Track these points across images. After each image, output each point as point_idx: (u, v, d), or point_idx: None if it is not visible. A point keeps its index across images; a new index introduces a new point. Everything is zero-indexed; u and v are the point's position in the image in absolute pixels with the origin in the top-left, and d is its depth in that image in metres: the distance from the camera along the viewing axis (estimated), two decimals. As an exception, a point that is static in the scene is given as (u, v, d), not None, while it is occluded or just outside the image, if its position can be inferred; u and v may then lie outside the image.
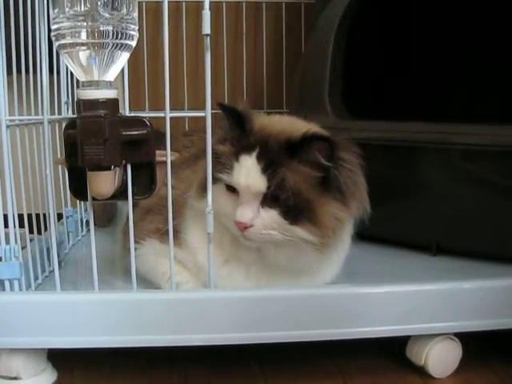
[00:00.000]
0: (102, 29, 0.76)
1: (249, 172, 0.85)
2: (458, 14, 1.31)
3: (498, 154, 1.03)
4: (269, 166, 0.84)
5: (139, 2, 0.82)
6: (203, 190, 0.88)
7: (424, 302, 0.93)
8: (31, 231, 1.01)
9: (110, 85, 0.79)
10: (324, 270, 0.96)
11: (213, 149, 0.88)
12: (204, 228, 0.89)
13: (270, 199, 0.85)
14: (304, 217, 0.85)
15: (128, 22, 0.78)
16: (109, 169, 0.79)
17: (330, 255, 0.93)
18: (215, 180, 0.87)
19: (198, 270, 0.94)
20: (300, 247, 0.87)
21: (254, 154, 0.85)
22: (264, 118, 0.93)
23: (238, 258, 0.93)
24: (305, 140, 0.85)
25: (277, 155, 0.85)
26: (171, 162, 0.86)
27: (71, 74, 1.26)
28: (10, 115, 0.90)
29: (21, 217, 0.92)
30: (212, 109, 0.86)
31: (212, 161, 0.87)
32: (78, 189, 0.84)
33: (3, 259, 0.89)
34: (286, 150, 0.85)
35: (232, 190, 0.87)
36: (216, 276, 0.91)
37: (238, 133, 0.88)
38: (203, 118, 0.86)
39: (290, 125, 0.92)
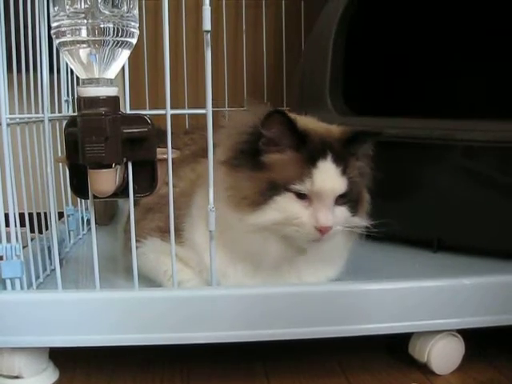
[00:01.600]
0: (102, 26, 0.75)
1: (331, 176, 0.86)
2: (460, 9, 1.30)
3: (500, 151, 1.02)
4: (345, 167, 0.87)
5: (139, 0, 0.82)
6: (258, 204, 0.86)
7: (426, 299, 0.93)
8: (32, 230, 1.01)
9: (110, 82, 0.79)
10: (336, 262, 0.98)
11: (262, 159, 0.87)
12: (230, 231, 0.89)
13: (339, 197, 0.88)
14: (359, 206, 0.91)
15: (128, 20, 0.78)
16: (110, 167, 0.79)
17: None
18: (284, 190, 0.86)
19: (203, 268, 0.94)
20: (337, 238, 0.92)
21: (329, 158, 0.86)
22: (299, 119, 0.92)
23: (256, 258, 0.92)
24: (361, 136, 0.91)
25: (344, 155, 0.88)
26: (172, 159, 0.85)
27: (71, 72, 1.26)
28: (10, 113, 0.90)
29: (22, 216, 0.92)
30: (212, 106, 0.86)
31: (263, 171, 0.86)
32: (79, 187, 0.84)
33: (4, 258, 0.89)
34: (346, 149, 0.89)
35: (301, 197, 0.86)
36: (221, 275, 0.92)
37: (295, 138, 0.87)
38: (204, 116, 0.86)
39: (317, 123, 0.95)
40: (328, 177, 0.86)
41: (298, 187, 0.85)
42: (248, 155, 0.87)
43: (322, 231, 0.85)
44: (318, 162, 0.86)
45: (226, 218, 0.87)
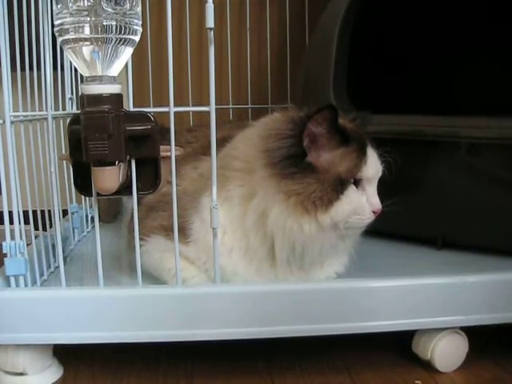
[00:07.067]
0: (105, 24, 0.76)
1: (377, 159, 0.92)
2: (463, 6, 1.30)
3: (505, 148, 1.02)
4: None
5: (143, -3, 0.82)
6: (331, 201, 0.86)
7: (430, 296, 0.93)
8: (36, 227, 1.01)
9: (113, 80, 0.79)
10: (343, 256, 0.99)
11: (309, 160, 0.87)
12: (241, 231, 0.91)
13: None
14: None
15: (131, 17, 0.78)
16: (113, 164, 0.79)
17: None
18: (348, 183, 0.88)
19: (209, 267, 0.94)
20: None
21: (369, 143, 0.92)
22: None
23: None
24: (367, 119, 1.00)
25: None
26: (175, 157, 0.85)
27: (75, 69, 1.26)
28: (14, 111, 0.90)
29: (26, 213, 0.92)
30: (216, 103, 0.85)
31: (321, 170, 0.87)
32: (83, 184, 0.85)
33: (9, 255, 0.90)
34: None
35: (356, 185, 0.89)
36: (232, 273, 0.92)
37: (338, 131, 0.88)
38: (208, 114, 0.86)
39: None
40: (375, 160, 0.91)
41: (358, 176, 0.89)
42: (296, 159, 0.86)
43: (376, 214, 0.90)
44: (367, 148, 0.91)
45: (285, 223, 0.87)
